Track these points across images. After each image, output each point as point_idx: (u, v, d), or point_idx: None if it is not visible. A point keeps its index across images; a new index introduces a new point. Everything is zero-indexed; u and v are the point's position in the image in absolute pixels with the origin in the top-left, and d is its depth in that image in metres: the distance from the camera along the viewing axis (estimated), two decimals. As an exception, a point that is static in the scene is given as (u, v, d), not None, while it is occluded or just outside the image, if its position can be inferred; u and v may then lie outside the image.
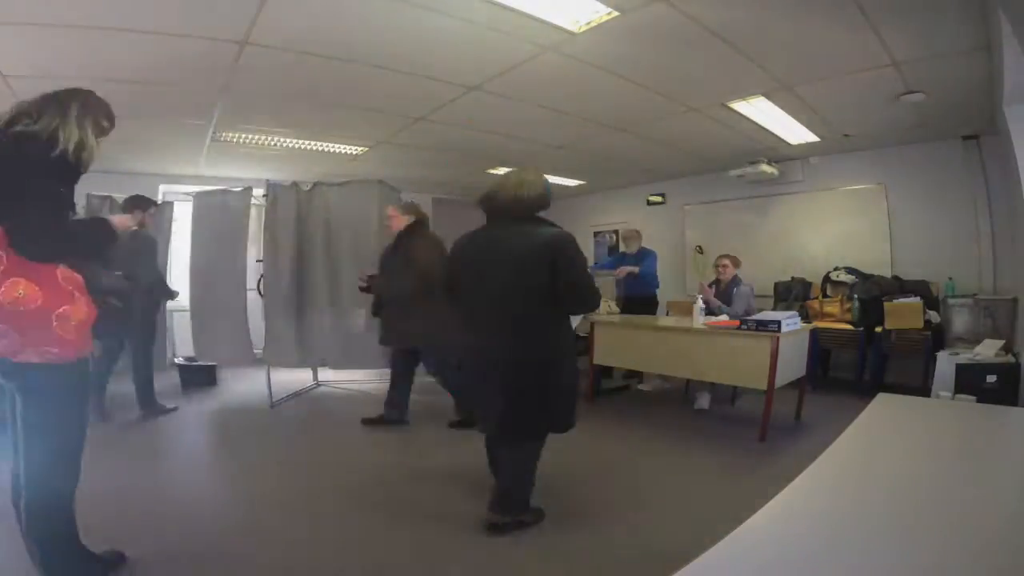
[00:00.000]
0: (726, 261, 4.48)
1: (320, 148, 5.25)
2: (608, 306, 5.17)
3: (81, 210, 4.63)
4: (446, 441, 3.59)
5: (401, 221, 3.63)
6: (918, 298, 4.51)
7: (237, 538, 2.20)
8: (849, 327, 4.82)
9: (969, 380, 3.36)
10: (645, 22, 2.78)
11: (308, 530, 2.25)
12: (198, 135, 4.76)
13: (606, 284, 6.62)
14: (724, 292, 4.43)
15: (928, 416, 1.53)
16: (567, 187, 7.51)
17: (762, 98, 3.93)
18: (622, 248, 5.70)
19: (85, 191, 4.73)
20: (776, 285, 5.65)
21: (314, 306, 4.63)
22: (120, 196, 4.85)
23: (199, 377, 5.10)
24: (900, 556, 0.73)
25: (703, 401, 4.31)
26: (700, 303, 3.96)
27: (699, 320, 3.85)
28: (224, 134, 4.76)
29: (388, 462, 3.20)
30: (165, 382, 5.09)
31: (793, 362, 3.62)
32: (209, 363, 5.04)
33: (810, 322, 4.63)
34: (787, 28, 2.86)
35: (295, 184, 4.65)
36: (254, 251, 5.07)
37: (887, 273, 5.06)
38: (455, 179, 6.95)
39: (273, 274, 4.60)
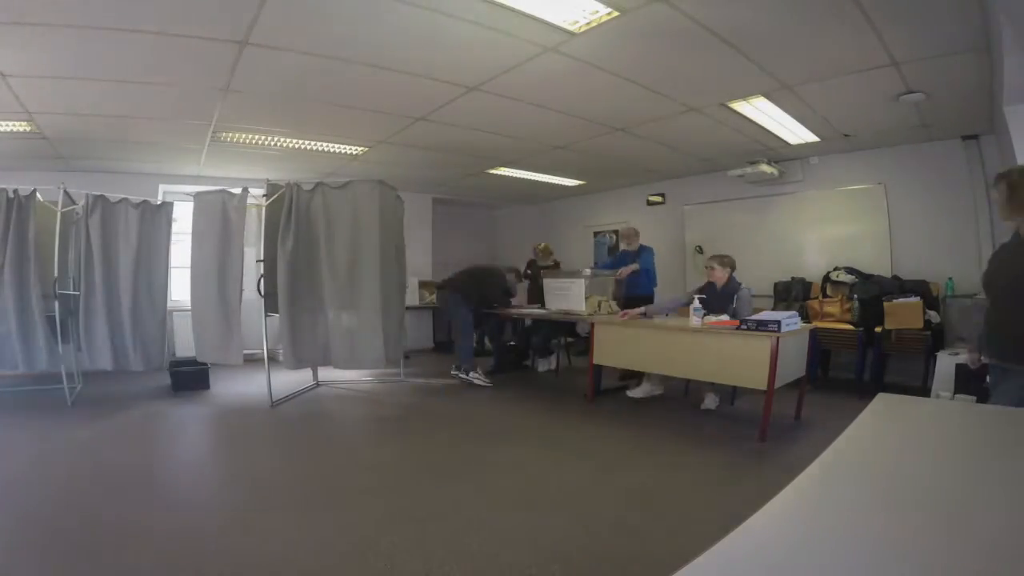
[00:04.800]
0: (713, 264, 4.26)
1: (320, 148, 5.25)
2: (609, 306, 5.17)
3: (81, 208, 4.68)
4: (447, 438, 3.60)
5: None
6: (918, 298, 4.50)
7: (238, 537, 2.20)
8: (849, 327, 4.83)
9: (969, 380, 3.36)
10: (645, 22, 2.78)
11: (309, 529, 2.26)
12: (198, 135, 4.76)
13: (607, 284, 6.63)
14: (721, 296, 4.24)
15: (928, 416, 1.53)
16: (567, 187, 7.51)
17: (762, 98, 3.93)
18: (623, 246, 5.72)
19: (85, 191, 4.74)
20: (776, 285, 5.65)
21: (313, 306, 4.63)
22: (119, 196, 4.87)
23: (195, 377, 5.08)
24: (900, 556, 0.73)
25: (710, 402, 4.27)
26: (696, 303, 3.94)
27: (694, 321, 3.83)
28: (224, 134, 4.76)
29: (389, 460, 3.20)
30: (164, 382, 5.10)
31: (793, 362, 3.63)
32: (202, 364, 5.01)
33: (810, 322, 4.63)
34: (787, 28, 2.86)
35: (295, 184, 4.65)
36: (254, 251, 5.07)
37: (887, 273, 5.06)
38: (455, 179, 6.96)
39: (273, 274, 4.60)
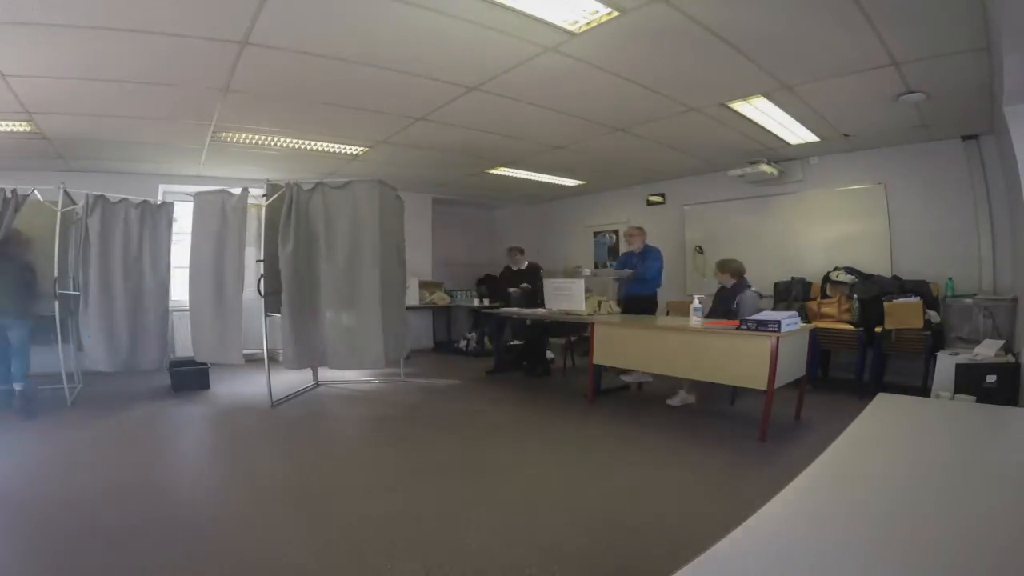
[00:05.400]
0: (715, 270, 4.51)
1: (320, 148, 5.25)
2: (609, 306, 5.17)
3: (81, 208, 4.68)
4: (447, 438, 3.60)
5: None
6: (918, 298, 4.50)
7: (238, 536, 2.20)
8: (849, 327, 4.82)
9: (969, 380, 3.36)
10: (645, 22, 2.78)
11: (309, 529, 2.26)
12: (198, 135, 4.76)
13: (607, 284, 6.64)
14: (728, 298, 4.35)
15: (928, 416, 1.53)
16: (567, 187, 7.51)
17: (762, 98, 3.93)
18: (625, 248, 5.68)
19: (85, 191, 4.74)
20: (776, 285, 5.65)
21: (313, 306, 4.63)
22: (119, 196, 4.87)
23: (195, 377, 5.08)
24: (900, 556, 0.73)
25: (676, 399, 4.35)
26: (696, 303, 3.96)
27: (694, 321, 3.85)
28: (224, 134, 4.76)
29: (389, 460, 3.21)
30: (164, 382, 5.10)
31: (793, 362, 3.63)
32: (202, 364, 5.01)
33: (810, 322, 4.63)
34: (787, 28, 2.86)
35: (295, 184, 4.65)
36: (254, 251, 5.07)
37: (887, 273, 5.06)
38: (455, 179, 6.95)
39: (272, 274, 4.60)
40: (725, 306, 4.30)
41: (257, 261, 4.85)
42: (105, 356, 4.70)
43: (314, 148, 5.24)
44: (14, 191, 4.36)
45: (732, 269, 4.41)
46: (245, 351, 4.69)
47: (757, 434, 3.44)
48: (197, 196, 4.83)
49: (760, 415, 3.45)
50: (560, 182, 7.19)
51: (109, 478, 2.83)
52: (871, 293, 4.81)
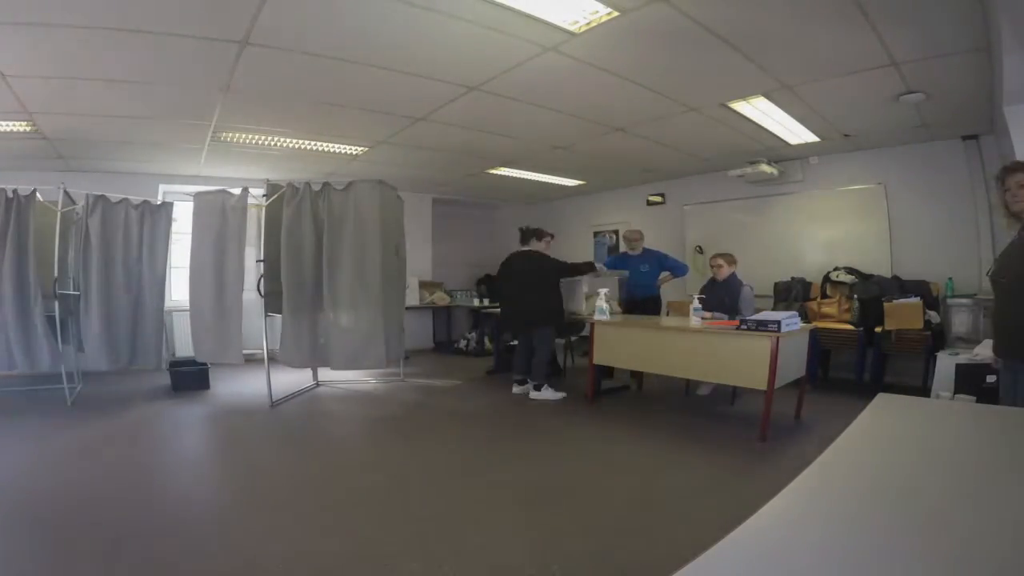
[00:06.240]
0: (720, 261, 4.54)
1: (320, 148, 5.25)
2: (611, 306, 5.17)
3: (81, 208, 4.68)
4: (447, 438, 3.60)
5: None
6: (918, 298, 4.50)
7: (238, 537, 2.20)
8: (849, 327, 4.82)
9: (969, 380, 3.35)
10: (645, 22, 2.78)
11: (309, 529, 2.26)
12: (198, 135, 4.76)
13: (608, 284, 6.64)
14: (723, 292, 4.42)
15: (928, 416, 1.53)
16: (566, 187, 7.51)
17: (762, 98, 3.93)
18: (624, 249, 5.68)
19: (85, 191, 4.74)
20: (776, 285, 5.65)
21: (313, 306, 4.63)
22: (119, 196, 4.87)
23: (195, 377, 5.08)
24: (900, 556, 0.73)
25: (705, 388, 4.50)
26: (696, 303, 3.97)
27: (694, 321, 3.86)
28: (224, 134, 4.76)
29: (389, 460, 3.20)
30: (164, 382, 5.10)
31: (793, 362, 3.62)
32: (202, 364, 5.00)
33: (810, 322, 4.63)
34: (787, 28, 2.86)
35: (299, 183, 4.65)
36: (254, 251, 5.07)
37: (887, 273, 5.06)
38: (455, 179, 6.95)
39: (272, 274, 4.60)
40: (719, 301, 4.34)
41: (257, 261, 4.85)
42: (105, 356, 4.70)
43: (314, 148, 5.23)
44: (15, 191, 4.37)
45: (730, 260, 4.58)
46: (245, 351, 4.69)
47: (757, 434, 3.44)
48: (197, 196, 4.83)
49: (760, 415, 3.45)
50: (560, 182, 7.19)
51: (109, 478, 2.84)
52: (871, 293, 4.81)
